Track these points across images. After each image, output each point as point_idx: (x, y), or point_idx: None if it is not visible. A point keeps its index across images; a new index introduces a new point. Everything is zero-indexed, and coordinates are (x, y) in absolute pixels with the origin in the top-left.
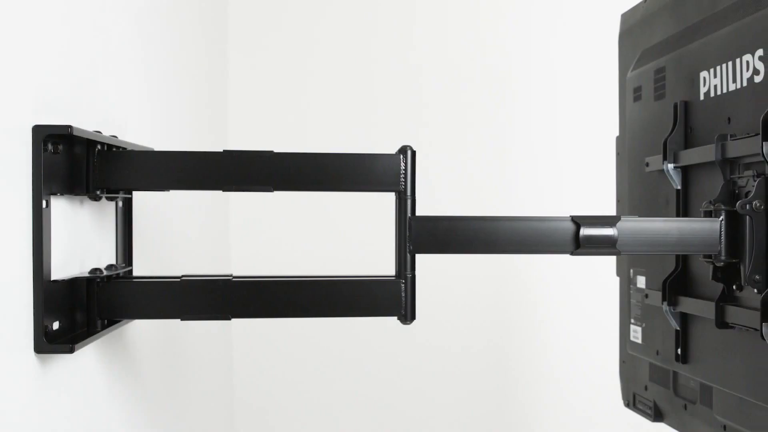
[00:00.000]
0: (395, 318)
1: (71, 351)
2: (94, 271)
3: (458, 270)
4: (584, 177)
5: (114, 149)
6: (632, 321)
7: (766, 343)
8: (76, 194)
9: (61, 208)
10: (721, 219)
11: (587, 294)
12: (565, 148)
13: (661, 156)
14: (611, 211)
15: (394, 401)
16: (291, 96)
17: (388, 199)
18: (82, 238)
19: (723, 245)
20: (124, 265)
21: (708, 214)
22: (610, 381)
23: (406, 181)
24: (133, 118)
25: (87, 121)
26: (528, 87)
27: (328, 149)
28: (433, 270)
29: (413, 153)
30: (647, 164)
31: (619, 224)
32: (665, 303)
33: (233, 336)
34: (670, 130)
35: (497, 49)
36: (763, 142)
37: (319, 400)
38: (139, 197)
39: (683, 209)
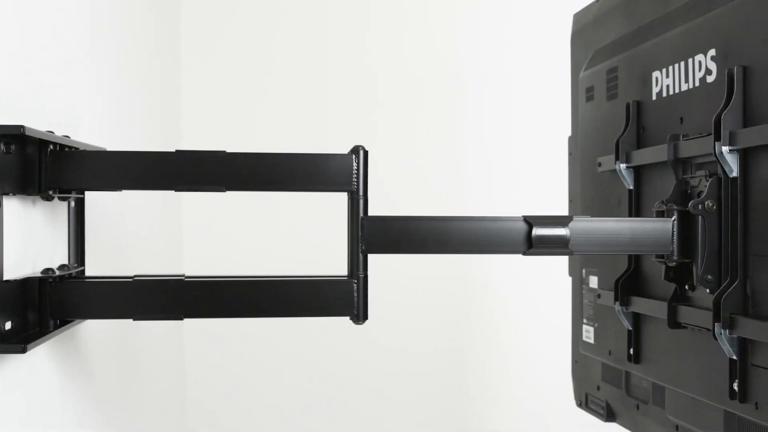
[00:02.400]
0: (348, 318)
1: (23, 351)
2: (47, 271)
3: (412, 270)
4: (537, 177)
5: (66, 149)
6: (584, 321)
7: (718, 343)
8: (29, 194)
9: (13, 208)
10: (673, 219)
11: (540, 294)
12: (517, 148)
13: (613, 156)
14: (564, 211)
15: (348, 401)
16: (243, 96)
17: (341, 199)
18: (34, 238)
19: (675, 245)
20: (76, 265)
21: (660, 214)
22: (562, 381)
23: (358, 181)
24: (85, 118)
25: (39, 121)
26: (480, 87)
27: (281, 149)
28: (386, 270)
29: (365, 153)
30: (599, 164)
31: (571, 224)
32: (617, 303)
33: (185, 336)
34: (623, 130)
35: (449, 49)
36: (716, 142)
37: (271, 400)
38: (91, 197)
39: (635, 209)
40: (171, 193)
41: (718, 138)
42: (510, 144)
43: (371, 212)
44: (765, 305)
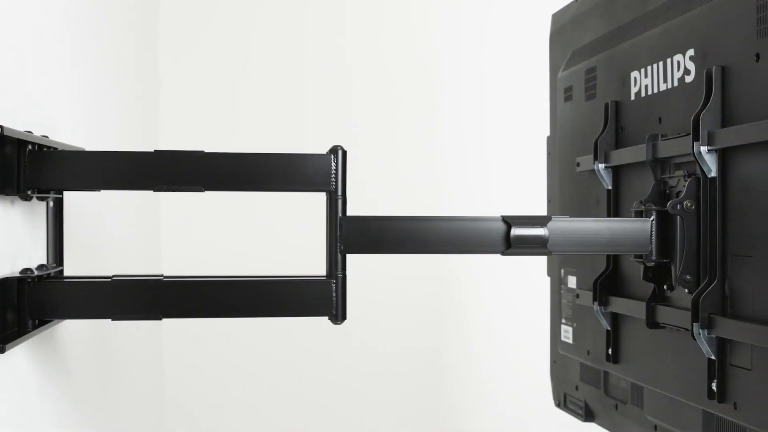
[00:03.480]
0: (326, 318)
1: (2, 351)
2: (25, 271)
3: (390, 270)
4: (515, 177)
5: (45, 149)
6: (563, 321)
7: (696, 343)
8: (7, 194)
9: None
10: (651, 219)
11: (518, 294)
12: (496, 148)
13: (592, 156)
14: (542, 211)
15: (327, 401)
16: (222, 96)
17: (320, 198)
18: (12, 238)
19: (654, 245)
20: (55, 265)
21: (639, 214)
22: (541, 381)
23: (336, 181)
24: (64, 119)
25: (18, 121)
26: (459, 87)
27: (259, 149)
28: (365, 270)
29: (344, 153)
30: (578, 164)
31: (549, 224)
32: (596, 303)
33: (164, 336)
34: (601, 130)
35: (428, 48)
36: (694, 143)
37: (249, 400)
38: (70, 197)
39: (614, 209)
40: (149, 193)
41: (696, 138)
42: (489, 144)
43: (350, 212)
44: (743, 305)
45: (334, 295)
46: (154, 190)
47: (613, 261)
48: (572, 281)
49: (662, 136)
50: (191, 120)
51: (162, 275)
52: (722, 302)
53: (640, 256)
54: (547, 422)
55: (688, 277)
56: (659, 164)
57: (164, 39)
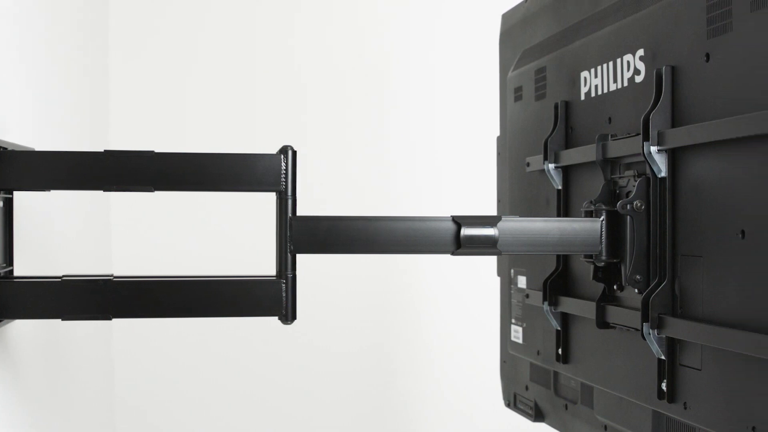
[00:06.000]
0: (276, 318)
1: None
2: None
3: (341, 270)
4: (465, 177)
5: None
6: (513, 321)
7: (646, 343)
8: None
9: None
10: (601, 219)
11: (468, 294)
12: (445, 148)
13: (541, 156)
14: (492, 211)
15: (276, 401)
16: (172, 96)
17: (270, 198)
18: None
19: (604, 245)
20: (5, 265)
21: (589, 214)
22: (490, 381)
23: (286, 181)
24: (13, 118)
25: None
26: (408, 87)
27: (210, 149)
28: (315, 270)
29: (294, 153)
30: (528, 164)
31: (499, 224)
32: (546, 303)
33: (114, 336)
34: (551, 130)
35: (377, 48)
36: (644, 143)
37: (200, 400)
38: (20, 197)
39: (564, 209)
40: (99, 193)
41: (646, 138)
42: (439, 144)
43: (300, 212)
44: (693, 305)
45: (284, 295)
46: (104, 190)
47: (563, 261)
48: (522, 281)
49: (612, 136)
50: (141, 120)
51: (112, 275)
52: (672, 302)
53: (590, 256)
54: (497, 422)
55: (637, 277)
56: (609, 164)
57: (114, 38)
